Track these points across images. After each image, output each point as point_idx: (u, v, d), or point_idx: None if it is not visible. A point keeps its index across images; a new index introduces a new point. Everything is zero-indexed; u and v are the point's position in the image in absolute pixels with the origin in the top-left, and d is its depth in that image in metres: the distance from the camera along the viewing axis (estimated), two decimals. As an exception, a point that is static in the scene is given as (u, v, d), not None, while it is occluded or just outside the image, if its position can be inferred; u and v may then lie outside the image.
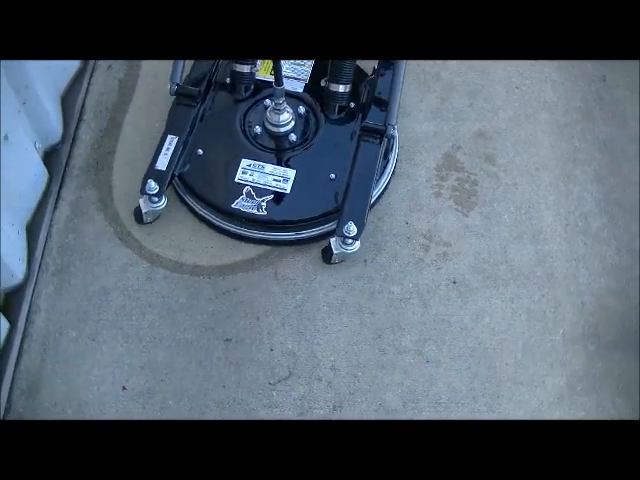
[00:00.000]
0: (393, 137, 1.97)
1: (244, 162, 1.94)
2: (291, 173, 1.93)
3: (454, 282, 1.90)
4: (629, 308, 1.90)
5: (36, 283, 1.88)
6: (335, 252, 1.85)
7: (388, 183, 2.02)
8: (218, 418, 1.70)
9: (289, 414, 1.72)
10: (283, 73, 1.89)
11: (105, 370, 1.77)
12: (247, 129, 2.00)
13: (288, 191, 1.91)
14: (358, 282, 1.88)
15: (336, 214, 1.87)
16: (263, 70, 2.12)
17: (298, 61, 2.14)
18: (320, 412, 1.72)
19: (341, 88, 2.01)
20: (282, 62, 1.87)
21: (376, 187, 1.96)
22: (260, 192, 1.90)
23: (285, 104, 1.96)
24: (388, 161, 2.02)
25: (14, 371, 1.76)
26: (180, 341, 1.80)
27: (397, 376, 1.77)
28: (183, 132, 1.95)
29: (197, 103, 2.00)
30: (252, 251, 1.92)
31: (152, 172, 1.89)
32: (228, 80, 2.08)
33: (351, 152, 1.94)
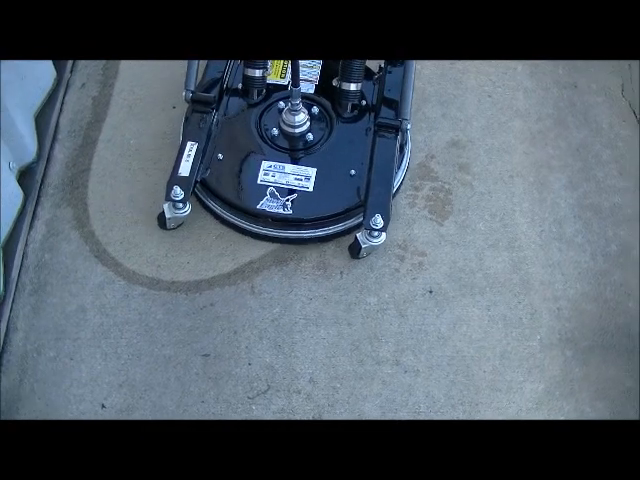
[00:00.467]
0: (407, 130, 2.02)
1: (264, 164, 1.98)
2: (312, 172, 1.97)
3: (430, 291, 1.90)
4: (605, 312, 1.91)
5: (13, 302, 1.87)
6: (363, 246, 1.88)
7: (405, 175, 2.08)
8: (197, 434, 1.70)
9: (268, 428, 1.71)
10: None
11: (84, 389, 1.76)
12: (264, 132, 2.04)
13: (311, 189, 1.95)
14: (334, 294, 1.89)
15: (358, 209, 1.93)
16: (273, 74, 2.16)
17: (307, 63, 2.17)
18: (299, 425, 1.72)
19: (352, 87, 2.06)
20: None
21: (395, 180, 2.01)
22: (283, 192, 1.94)
23: (301, 105, 2.00)
24: (404, 155, 2.07)
25: (-8, 392, 1.75)
26: (158, 357, 1.80)
27: (375, 387, 1.77)
28: (202, 138, 1.97)
29: (212, 109, 2.03)
30: (229, 265, 1.92)
31: (176, 179, 1.90)
32: (240, 85, 2.11)
33: (368, 148, 2.00)
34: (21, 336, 1.82)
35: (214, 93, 2.05)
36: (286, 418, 1.72)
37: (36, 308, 1.87)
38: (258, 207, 1.91)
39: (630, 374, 1.82)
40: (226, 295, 1.88)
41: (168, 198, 1.88)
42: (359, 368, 1.79)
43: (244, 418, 1.72)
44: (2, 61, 1.83)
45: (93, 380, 1.77)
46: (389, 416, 1.74)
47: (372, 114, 2.07)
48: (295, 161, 2.00)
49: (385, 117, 2.02)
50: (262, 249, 1.96)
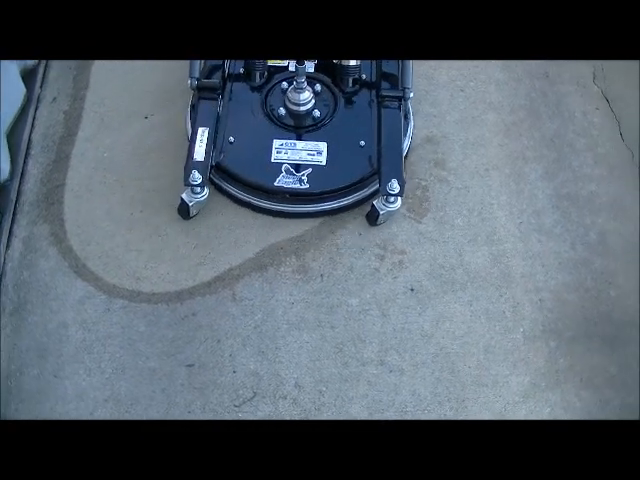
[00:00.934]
0: (410, 98, 2.09)
1: (276, 142, 2.03)
2: (323, 146, 2.02)
3: (412, 289, 1.90)
4: (587, 300, 1.92)
5: (-6, 324, 1.86)
6: (381, 212, 1.93)
7: (411, 142, 2.14)
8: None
9: (256, 435, 1.71)
10: None
11: (69, 406, 1.75)
12: (271, 112, 2.09)
13: (324, 163, 2.00)
14: (316, 297, 1.89)
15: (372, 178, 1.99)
16: None
17: None
18: (287, 430, 1.72)
19: (352, 62, 2.12)
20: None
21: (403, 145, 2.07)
22: (298, 168, 1.99)
23: (305, 83, 2.06)
24: (408, 122, 2.14)
25: (-24, 414, 1.74)
26: (143, 370, 1.79)
27: (361, 388, 1.77)
28: (211, 123, 2.01)
29: (218, 94, 2.08)
30: (209, 274, 1.92)
31: (192, 164, 1.93)
32: (242, 70, 2.16)
33: (374, 119, 2.07)
34: (3, 357, 1.81)
35: (218, 79, 2.10)
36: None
37: (17, 327, 1.85)
38: (276, 184, 1.96)
39: (614, 361, 1.83)
40: (207, 304, 1.87)
41: (187, 183, 1.90)
42: (344, 370, 1.79)
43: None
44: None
45: (78, 396, 1.76)
46: (376, 416, 1.74)
47: (373, 87, 2.14)
48: (305, 137, 2.05)
49: (387, 88, 2.09)
50: (241, 256, 1.95)
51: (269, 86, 2.14)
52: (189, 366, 1.79)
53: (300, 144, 2.02)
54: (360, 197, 2.02)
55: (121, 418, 1.73)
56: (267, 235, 1.98)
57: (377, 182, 1.96)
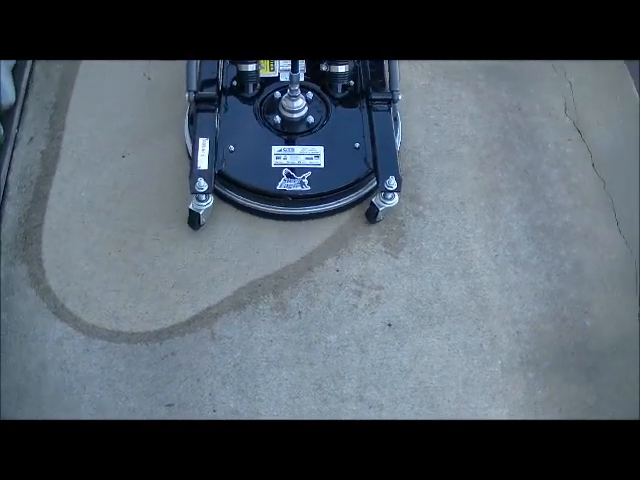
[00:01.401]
0: (399, 100, 2.17)
1: (274, 149, 2.10)
2: (320, 149, 2.11)
3: (389, 325, 1.92)
4: (564, 331, 1.95)
5: (-27, 367, 1.85)
6: (380, 209, 2.01)
7: (401, 141, 2.26)
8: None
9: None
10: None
11: (49, 448, 1.74)
12: (266, 120, 2.17)
13: (322, 165, 2.08)
14: (294, 334, 1.89)
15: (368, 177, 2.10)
16: (263, 69, 2.29)
17: None
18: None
19: (341, 68, 2.20)
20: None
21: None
22: (298, 171, 2.06)
23: (299, 90, 2.14)
24: (397, 123, 2.23)
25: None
26: (123, 411, 1.79)
27: (341, 424, 1.77)
28: (211, 133, 2.07)
29: (215, 106, 2.14)
30: (188, 313, 1.92)
31: (197, 172, 1.97)
32: (235, 82, 2.24)
33: (366, 121, 2.16)
34: (-18, 400, 1.80)
35: (213, 91, 2.16)
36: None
37: (-6, 369, 1.85)
38: (278, 188, 2.03)
39: (591, 391, 1.85)
40: (187, 343, 1.88)
41: (193, 191, 1.94)
42: (324, 407, 1.80)
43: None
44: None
45: (58, 439, 1.75)
46: (357, 453, 1.74)
47: (362, 91, 2.24)
48: (302, 142, 2.13)
49: (376, 92, 2.18)
50: (220, 294, 1.95)
51: (262, 96, 2.22)
52: (169, 405, 1.79)
53: (298, 149, 2.10)
54: (362, 194, 2.12)
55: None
56: (245, 273, 1.99)
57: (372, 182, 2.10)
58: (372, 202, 2.03)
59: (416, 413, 1.79)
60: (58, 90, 2.36)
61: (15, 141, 2.24)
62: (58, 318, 1.92)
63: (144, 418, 1.77)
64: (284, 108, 2.16)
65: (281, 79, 2.26)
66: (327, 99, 2.22)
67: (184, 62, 2.20)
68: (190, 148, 2.13)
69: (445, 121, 2.33)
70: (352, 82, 2.25)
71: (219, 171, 2.04)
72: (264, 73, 2.27)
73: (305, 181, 2.04)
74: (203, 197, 1.97)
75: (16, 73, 2.36)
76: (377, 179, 2.03)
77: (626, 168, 2.25)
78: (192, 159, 2.01)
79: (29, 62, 2.42)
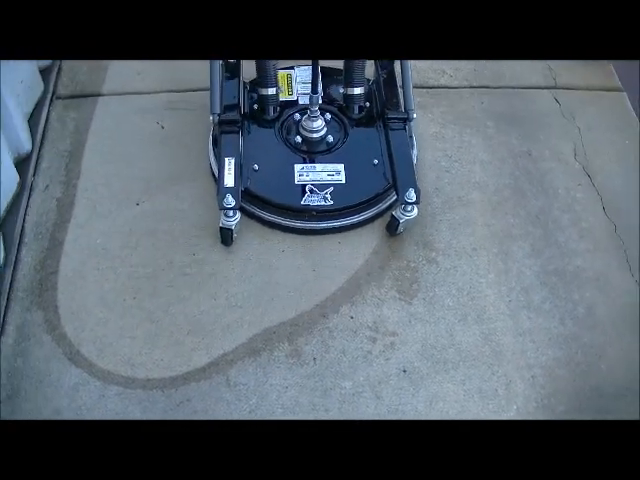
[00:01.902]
0: (413, 119, 2.27)
1: (297, 167, 2.21)
2: (340, 167, 2.21)
3: (404, 371, 1.92)
4: (578, 375, 1.94)
5: (-13, 413, 1.85)
6: (401, 221, 2.10)
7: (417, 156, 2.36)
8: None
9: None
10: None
11: (64, 496, 1.74)
12: (287, 140, 2.29)
13: (344, 181, 2.18)
14: (309, 381, 1.89)
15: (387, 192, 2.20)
16: (282, 93, 2.41)
17: (307, 79, 2.34)
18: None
19: (357, 90, 2.32)
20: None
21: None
22: (320, 187, 2.17)
23: (318, 111, 2.25)
24: (412, 140, 2.33)
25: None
26: (138, 458, 1.78)
27: (357, 471, 1.77)
28: (235, 153, 2.16)
29: (239, 127, 2.23)
30: (203, 359, 1.92)
31: (224, 189, 2.06)
32: (255, 106, 2.36)
33: (383, 140, 2.27)
34: (-3, 446, 1.80)
35: (236, 114, 2.24)
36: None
37: (11, 415, 1.84)
38: (302, 203, 2.13)
39: (607, 437, 1.84)
40: (202, 389, 1.88)
41: (221, 207, 2.03)
42: (340, 454, 1.79)
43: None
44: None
45: (73, 487, 1.75)
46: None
47: (377, 112, 2.35)
48: (322, 160, 2.24)
49: (392, 111, 2.28)
50: (234, 341, 1.96)
51: (283, 118, 2.34)
52: (184, 453, 1.79)
53: (319, 166, 2.21)
54: (382, 208, 2.22)
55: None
56: (260, 319, 1.99)
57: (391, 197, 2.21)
58: (392, 215, 2.12)
59: (432, 460, 1.78)
60: (73, 138, 2.40)
61: (31, 189, 2.26)
62: (73, 364, 1.92)
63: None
64: (304, 128, 2.27)
65: (300, 102, 2.38)
66: (345, 120, 2.33)
67: (196, 112, 2.26)
68: (215, 169, 2.22)
69: (456, 168, 2.36)
70: (367, 103, 2.36)
71: (245, 188, 2.13)
72: (283, 97, 2.39)
73: (328, 196, 2.14)
74: (231, 213, 2.05)
75: (32, 121, 2.40)
76: (397, 193, 2.11)
77: (636, 212, 2.26)
78: (218, 177, 2.10)
79: (45, 110, 2.45)
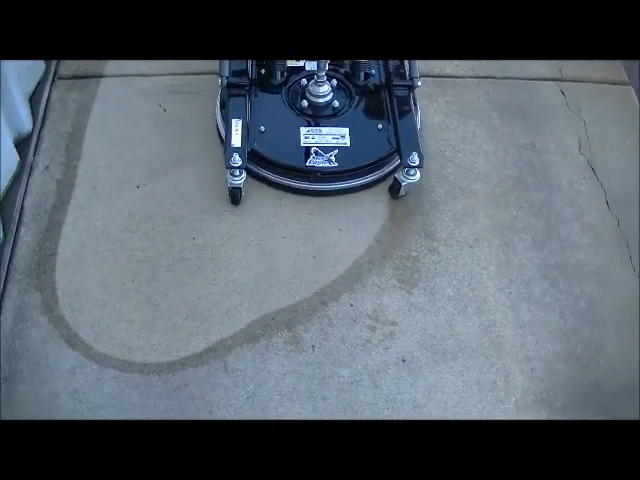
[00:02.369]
0: (417, 87, 2.32)
1: (302, 130, 2.26)
2: (345, 130, 2.26)
3: (403, 360, 1.91)
4: (577, 370, 1.93)
5: (-17, 394, 1.84)
6: (403, 184, 2.15)
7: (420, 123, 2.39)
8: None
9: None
10: None
11: (58, 478, 1.73)
12: (294, 105, 2.33)
13: (348, 144, 2.23)
14: (307, 368, 1.89)
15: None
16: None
17: None
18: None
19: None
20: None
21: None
22: (325, 149, 2.21)
23: (325, 77, 2.29)
24: (417, 107, 2.37)
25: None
26: (133, 442, 1.78)
27: (354, 460, 1.76)
28: (243, 115, 2.21)
29: (246, 90, 2.28)
30: (201, 345, 1.92)
31: (231, 149, 2.11)
32: (263, 71, 2.39)
33: (387, 105, 2.33)
34: (-8, 427, 1.79)
35: (244, 77, 2.30)
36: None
37: (7, 397, 1.83)
38: (308, 164, 2.18)
39: (605, 433, 1.83)
40: (199, 375, 1.87)
41: (228, 165, 2.07)
42: (336, 442, 1.78)
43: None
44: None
45: (68, 469, 1.74)
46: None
47: (383, 79, 2.40)
48: (328, 124, 2.28)
49: (397, 79, 2.34)
50: (233, 326, 1.95)
51: (290, 83, 2.38)
52: (180, 438, 1.78)
53: (325, 130, 2.25)
54: (386, 172, 2.26)
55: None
56: (259, 306, 1.98)
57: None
58: (395, 178, 2.17)
59: (429, 450, 1.78)
60: (74, 119, 2.38)
61: (31, 169, 2.25)
62: (70, 347, 1.91)
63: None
64: (311, 93, 2.31)
65: (307, 68, 2.41)
66: (350, 86, 2.37)
67: (200, 96, 2.27)
68: (222, 131, 2.26)
69: (459, 158, 2.35)
70: (373, 71, 2.41)
71: (251, 149, 2.17)
72: (290, 62, 2.42)
73: (333, 158, 2.18)
74: (237, 172, 2.09)
75: (33, 101, 2.38)
76: (400, 156, 2.15)
77: (640, 207, 2.26)
78: (226, 138, 2.15)
79: (46, 91, 2.44)
